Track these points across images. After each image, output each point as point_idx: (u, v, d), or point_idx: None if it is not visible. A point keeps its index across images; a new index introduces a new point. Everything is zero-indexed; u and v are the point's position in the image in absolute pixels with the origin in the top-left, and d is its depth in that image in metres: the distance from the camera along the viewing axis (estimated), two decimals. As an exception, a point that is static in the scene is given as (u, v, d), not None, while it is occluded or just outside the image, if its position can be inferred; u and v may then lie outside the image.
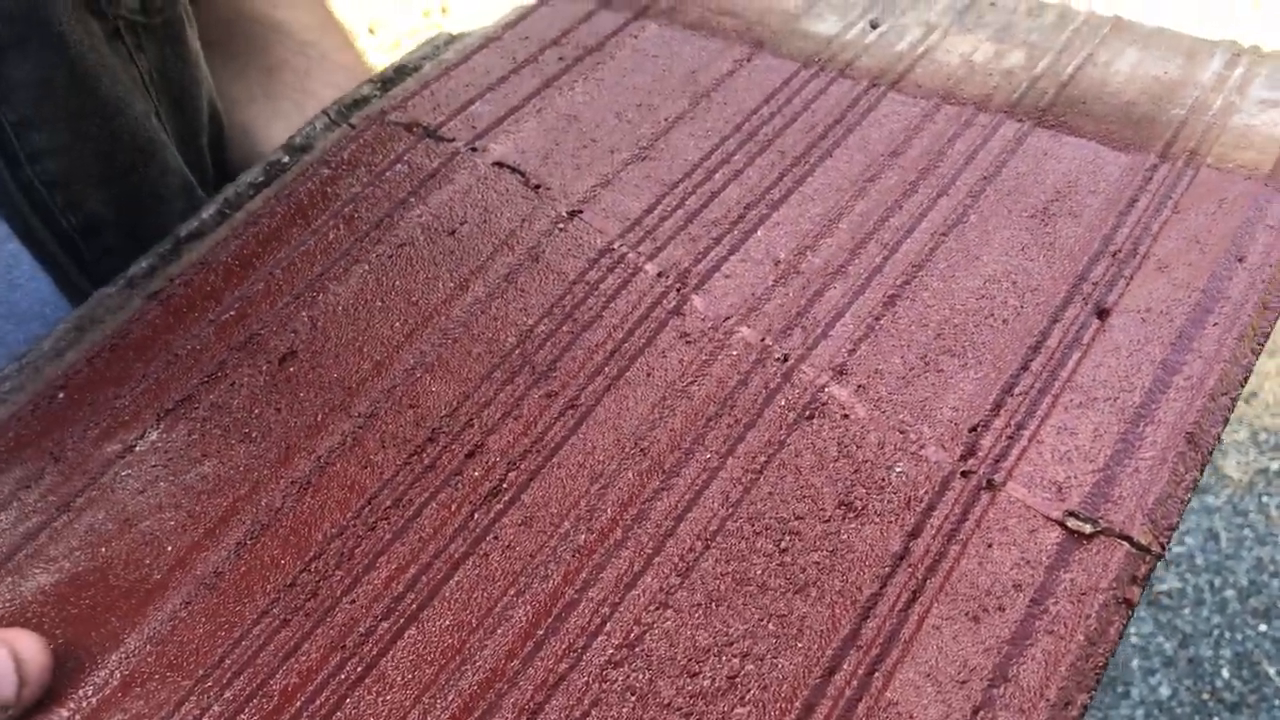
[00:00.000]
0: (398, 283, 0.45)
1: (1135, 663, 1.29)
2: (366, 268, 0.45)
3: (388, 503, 0.37)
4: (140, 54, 0.49)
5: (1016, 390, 0.38)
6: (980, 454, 0.37)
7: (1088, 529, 0.34)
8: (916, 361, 0.40)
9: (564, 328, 0.42)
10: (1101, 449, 0.36)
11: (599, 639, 0.33)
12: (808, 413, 0.38)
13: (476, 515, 0.37)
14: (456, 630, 0.34)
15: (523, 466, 0.38)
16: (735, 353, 0.41)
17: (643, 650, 0.33)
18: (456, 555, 0.36)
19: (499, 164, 0.49)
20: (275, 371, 0.42)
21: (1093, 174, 0.46)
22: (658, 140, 0.50)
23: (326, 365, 0.42)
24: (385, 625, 0.34)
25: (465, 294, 0.44)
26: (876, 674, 0.32)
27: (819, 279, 0.43)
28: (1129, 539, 0.34)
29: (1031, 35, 0.53)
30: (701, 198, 0.47)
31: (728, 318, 0.42)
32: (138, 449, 0.40)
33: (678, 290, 0.43)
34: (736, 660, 0.33)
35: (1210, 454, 0.36)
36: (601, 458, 0.38)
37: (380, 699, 0.33)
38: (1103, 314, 0.40)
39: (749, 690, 0.32)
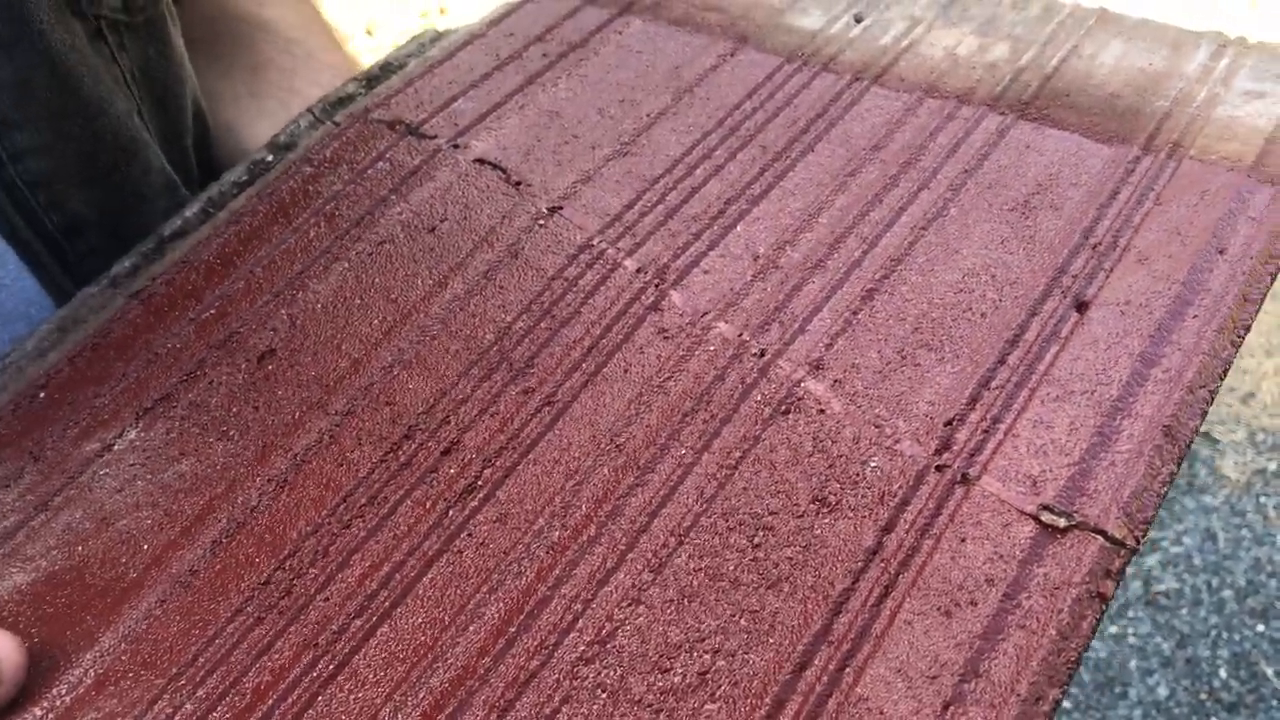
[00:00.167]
0: (377, 280, 0.45)
1: (1133, 663, 1.29)
2: (346, 265, 0.45)
3: (363, 500, 0.37)
4: (123, 53, 0.49)
5: (993, 384, 0.38)
6: (955, 448, 0.36)
7: (1062, 523, 0.34)
8: (893, 356, 0.40)
9: (542, 324, 0.42)
10: (1077, 442, 0.36)
11: (571, 635, 0.33)
12: (783, 408, 0.38)
13: (451, 512, 0.37)
14: (429, 627, 0.34)
15: (498, 463, 0.38)
16: (712, 348, 0.41)
17: (614, 647, 0.33)
18: (430, 552, 0.36)
19: (480, 161, 0.49)
20: (254, 370, 0.42)
21: (1075, 166, 0.45)
22: (639, 136, 0.50)
23: (305, 363, 0.42)
24: (358, 623, 0.34)
25: (444, 291, 0.44)
26: (847, 669, 0.32)
27: (798, 274, 0.43)
28: (1103, 533, 0.34)
29: (1016, 28, 0.53)
30: (682, 193, 0.47)
31: (706, 313, 0.42)
32: (116, 448, 0.40)
33: (656, 286, 0.43)
34: (708, 656, 0.33)
35: (1188, 447, 0.36)
36: (577, 454, 0.38)
37: (352, 696, 0.33)
38: (1081, 307, 0.40)
39: (720, 686, 0.32)
